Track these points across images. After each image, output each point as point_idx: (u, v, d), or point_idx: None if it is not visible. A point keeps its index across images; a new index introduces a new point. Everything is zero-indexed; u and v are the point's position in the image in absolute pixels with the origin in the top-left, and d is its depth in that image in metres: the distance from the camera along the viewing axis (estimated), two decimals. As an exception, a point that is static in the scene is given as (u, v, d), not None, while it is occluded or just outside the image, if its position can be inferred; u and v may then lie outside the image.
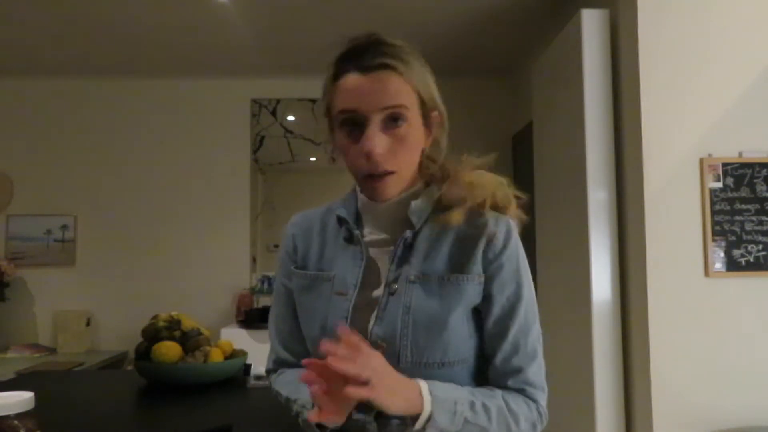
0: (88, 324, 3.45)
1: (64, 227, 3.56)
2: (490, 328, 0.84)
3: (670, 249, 1.96)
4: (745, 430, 1.88)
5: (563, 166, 2.37)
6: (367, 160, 0.79)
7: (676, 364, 1.92)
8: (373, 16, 2.81)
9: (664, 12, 2.01)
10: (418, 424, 0.73)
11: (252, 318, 3.17)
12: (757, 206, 1.98)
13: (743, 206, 1.98)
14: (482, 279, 0.83)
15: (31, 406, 0.68)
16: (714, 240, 1.96)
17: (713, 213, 1.96)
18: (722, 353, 1.93)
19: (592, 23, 2.14)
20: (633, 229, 2.05)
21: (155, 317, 1.58)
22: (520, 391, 0.83)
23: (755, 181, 1.98)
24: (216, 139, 3.67)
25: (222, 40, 3.12)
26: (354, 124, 0.80)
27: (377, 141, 0.78)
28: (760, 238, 1.97)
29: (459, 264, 0.83)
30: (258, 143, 3.75)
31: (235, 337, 2.80)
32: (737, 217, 1.97)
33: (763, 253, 1.96)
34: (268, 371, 0.99)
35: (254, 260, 3.69)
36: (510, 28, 2.99)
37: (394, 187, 0.83)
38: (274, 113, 3.75)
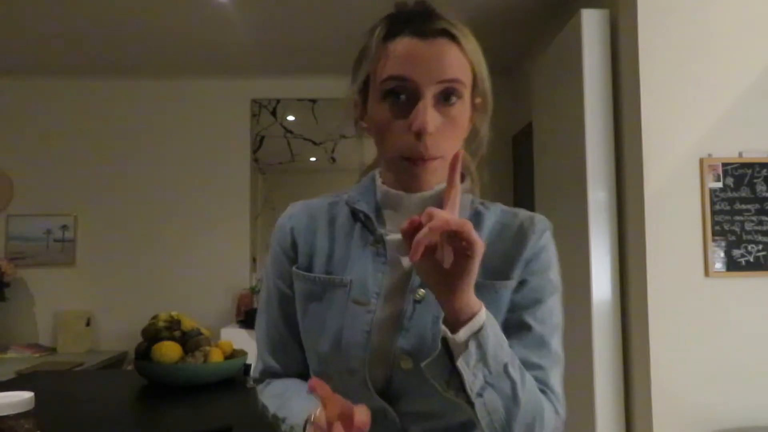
0: (88, 324, 3.44)
1: (64, 227, 3.56)
2: (510, 320, 0.73)
3: (670, 249, 1.95)
4: (745, 430, 1.88)
5: (563, 166, 2.36)
6: (416, 138, 0.68)
7: (676, 364, 1.92)
8: (373, 16, 2.80)
9: (664, 12, 2.01)
10: (466, 330, 0.61)
11: (252, 318, 3.16)
12: (757, 206, 1.98)
13: (743, 206, 1.97)
14: (516, 283, 0.74)
15: (31, 406, 0.68)
16: (714, 240, 1.95)
17: (713, 213, 1.96)
18: (722, 353, 1.92)
19: (592, 23, 2.14)
20: (633, 229, 2.05)
21: (155, 317, 1.59)
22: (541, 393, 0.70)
23: (755, 181, 1.98)
24: (216, 139, 3.66)
25: (222, 40, 3.11)
26: (399, 96, 0.70)
27: (430, 117, 0.68)
28: (760, 238, 1.97)
29: (495, 268, 0.73)
30: (258, 143, 3.75)
31: (235, 337, 2.80)
32: (737, 217, 1.97)
33: (763, 253, 1.96)
34: (255, 381, 0.87)
35: (254, 260, 3.69)
36: (510, 28, 2.99)
37: (435, 175, 0.72)
38: (274, 113, 3.75)
